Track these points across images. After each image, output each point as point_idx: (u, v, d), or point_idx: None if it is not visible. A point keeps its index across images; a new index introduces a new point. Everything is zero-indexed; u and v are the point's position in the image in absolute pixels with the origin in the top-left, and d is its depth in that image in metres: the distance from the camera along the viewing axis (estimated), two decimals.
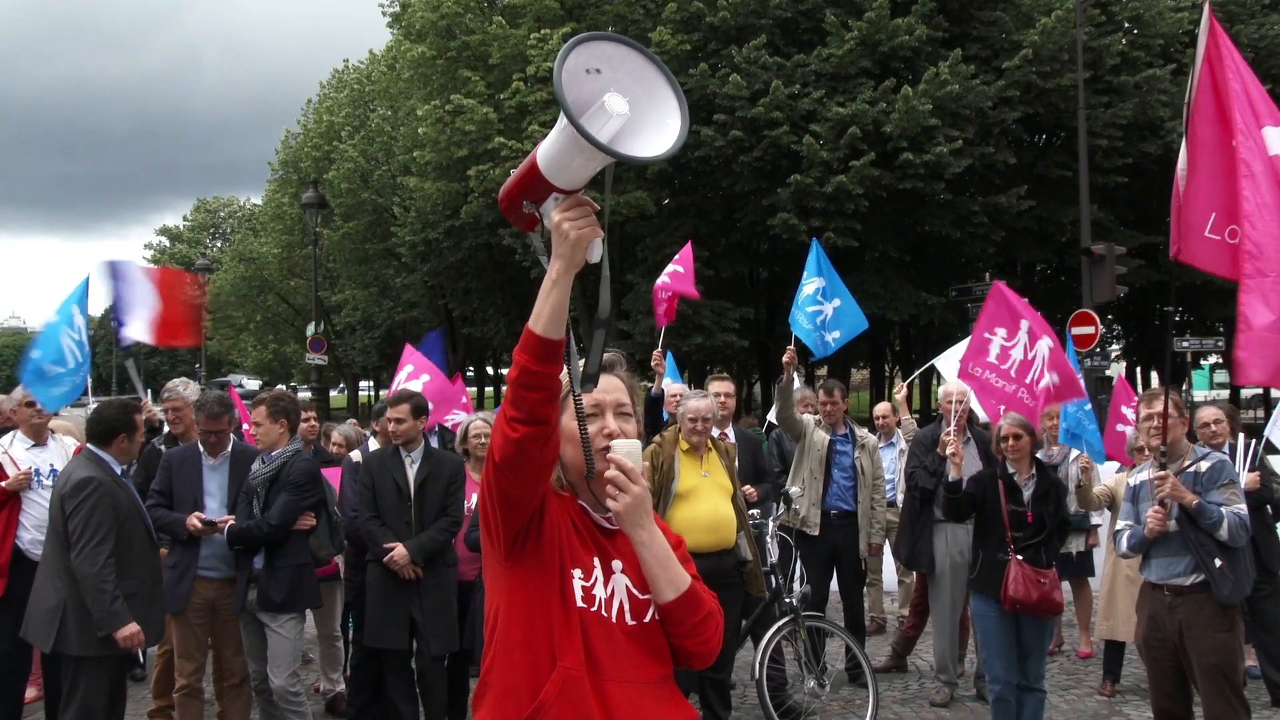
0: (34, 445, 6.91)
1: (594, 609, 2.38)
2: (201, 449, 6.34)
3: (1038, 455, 6.51)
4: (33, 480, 6.73)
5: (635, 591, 2.44)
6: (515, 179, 2.23)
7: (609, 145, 2.05)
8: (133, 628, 5.36)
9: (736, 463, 7.31)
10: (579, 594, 2.37)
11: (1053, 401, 6.95)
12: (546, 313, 2.16)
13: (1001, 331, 7.07)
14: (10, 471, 6.69)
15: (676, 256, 9.91)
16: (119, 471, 5.76)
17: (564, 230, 2.13)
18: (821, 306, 9.21)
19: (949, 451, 6.59)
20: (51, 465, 6.85)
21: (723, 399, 7.50)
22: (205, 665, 6.52)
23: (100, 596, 5.32)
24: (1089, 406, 8.07)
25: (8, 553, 6.57)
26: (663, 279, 9.68)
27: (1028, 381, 6.86)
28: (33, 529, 6.64)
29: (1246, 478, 7.27)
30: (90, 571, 5.34)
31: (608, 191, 2.32)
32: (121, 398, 6.96)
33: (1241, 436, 7.61)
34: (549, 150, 2.14)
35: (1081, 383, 7.14)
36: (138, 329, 8.55)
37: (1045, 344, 6.94)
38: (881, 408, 10.54)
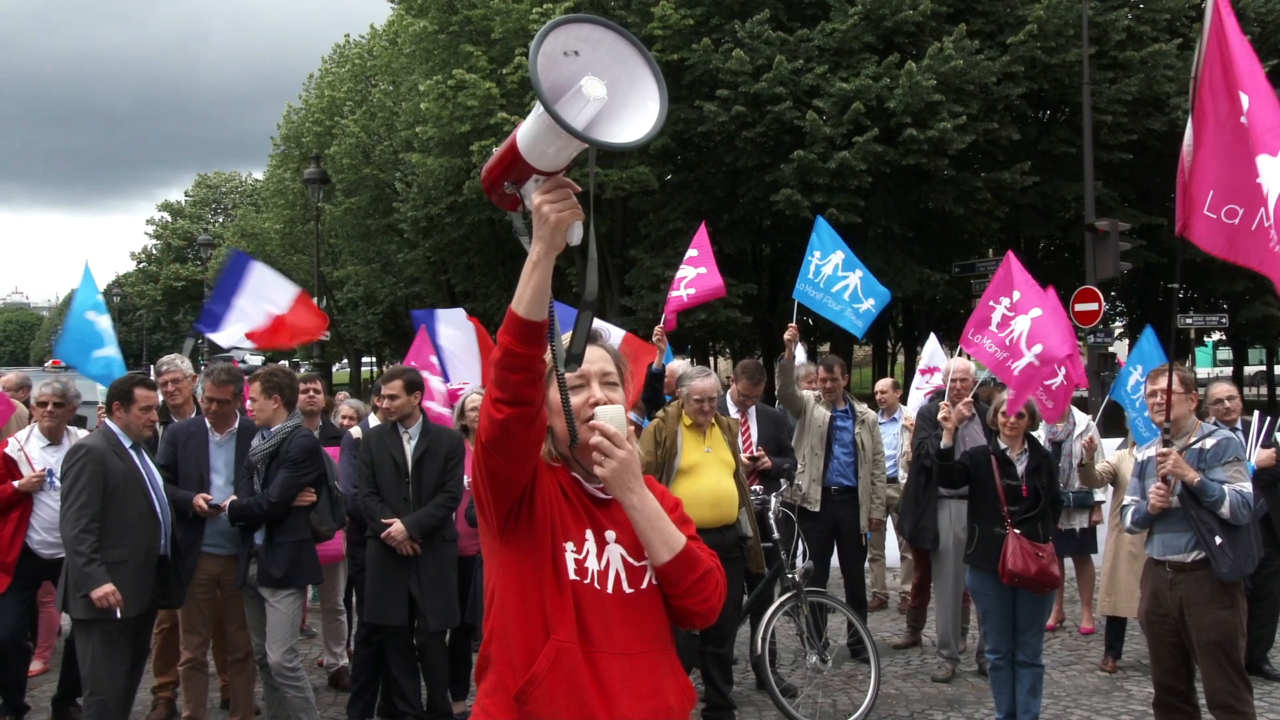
0: (49, 444, 6.84)
1: (587, 581, 2.40)
2: (208, 425, 6.33)
3: (1037, 432, 6.50)
4: (45, 482, 6.68)
5: (630, 559, 2.46)
6: (496, 160, 2.23)
7: (585, 131, 2.04)
8: (106, 588, 5.38)
9: (755, 438, 7.35)
10: (571, 567, 2.39)
11: (1038, 379, 6.87)
12: (528, 295, 2.17)
13: (1005, 300, 7.07)
14: (25, 471, 6.66)
15: (695, 252, 9.70)
16: (129, 444, 5.76)
17: (544, 213, 2.13)
18: (846, 280, 9.11)
19: (940, 416, 6.60)
20: None
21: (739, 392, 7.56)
22: (209, 640, 6.55)
23: (75, 558, 5.44)
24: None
25: (16, 551, 6.57)
26: (684, 290, 9.49)
27: (1018, 351, 6.87)
28: (42, 530, 6.64)
29: (1261, 454, 7.26)
30: (69, 534, 5.48)
31: (591, 174, 2.32)
32: (135, 372, 6.99)
33: (1257, 414, 7.60)
34: (528, 134, 2.14)
35: (1068, 348, 7.04)
36: (235, 332, 8.41)
37: (1027, 319, 6.91)
38: (883, 384, 10.53)
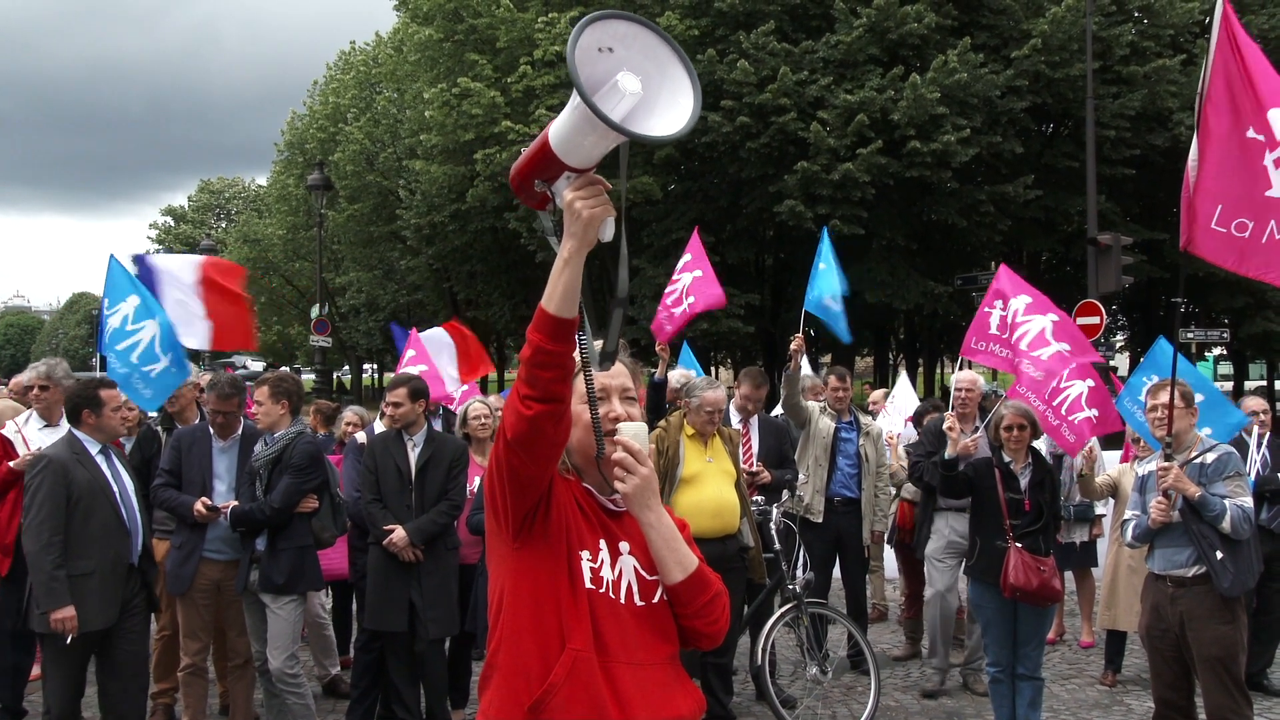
0: (47, 425, 6.90)
1: (602, 591, 2.39)
2: (211, 430, 6.35)
3: (1037, 445, 6.50)
4: None
5: (643, 573, 2.46)
6: (527, 158, 2.22)
7: (622, 124, 2.04)
8: (67, 612, 5.23)
9: (756, 449, 7.35)
10: (587, 576, 2.38)
11: (1063, 366, 7.02)
12: (559, 292, 2.16)
13: (998, 303, 7.26)
14: (21, 451, 6.70)
15: (688, 256, 9.81)
16: (95, 450, 5.65)
17: (576, 209, 2.12)
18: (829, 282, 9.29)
19: (945, 426, 6.62)
20: None
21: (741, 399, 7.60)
22: (209, 646, 6.54)
23: (38, 574, 5.30)
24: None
25: (15, 533, 6.58)
26: (685, 302, 9.57)
27: (1033, 354, 7.00)
28: None
29: None
30: (32, 548, 5.33)
31: (624, 170, 2.31)
32: (92, 374, 6.96)
33: (1256, 429, 7.60)
34: (561, 129, 2.13)
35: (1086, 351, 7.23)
36: (192, 336, 7.98)
37: (1049, 318, 7.09)
38: (875, 395, 10.58)
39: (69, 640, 5.28)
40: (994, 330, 7.34)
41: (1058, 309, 7.33)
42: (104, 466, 5.65)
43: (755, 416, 7.62)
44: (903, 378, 12.64)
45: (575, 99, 2.04)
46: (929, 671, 7.68)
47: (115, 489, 5.63)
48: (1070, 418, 7.09)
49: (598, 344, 2.35)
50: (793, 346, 8.07)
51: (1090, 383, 7.15)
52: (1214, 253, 5.26)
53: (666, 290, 9.76)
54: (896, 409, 10.87)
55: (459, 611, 6.52)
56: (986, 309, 7.42)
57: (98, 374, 6.57)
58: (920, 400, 11.14)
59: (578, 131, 2.10)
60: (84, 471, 5.51)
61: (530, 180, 2.23)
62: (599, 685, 2.30)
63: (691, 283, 9.57)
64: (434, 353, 9.81)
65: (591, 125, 2.04)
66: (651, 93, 2.13)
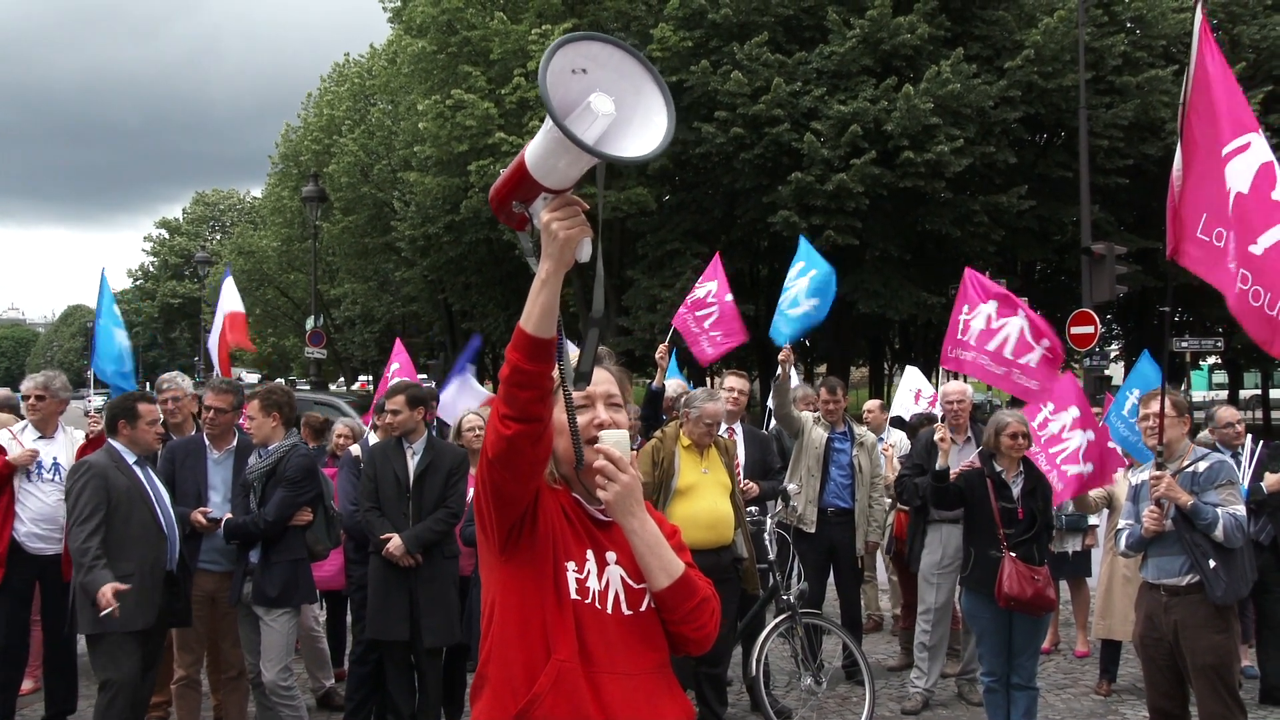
0: (41, 437, 6.93)
1: (588, 601, 2.39)
2: (206, 442, 6.34)
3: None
4: (32, 471, 6.75)
5: (630, 581, 2.46)
6: (504, 180, 2.24)
7: (594, 146, 2.06)
8: (108, 587, 5.33)
9: (742, 459, 7.33)
10: (573, 586, 2.39)
11: (1053, 369, 7.11)
12: (537, 312, 2.17)
13: (965, 308, 7.33)
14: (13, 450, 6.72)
15: (713, 284, 9.93)
16: (132, 460, 5.77)
17: (553, 230, 2.14)
18: (794, 286, 9.24)
19: (937, 438, 6.61)
20: (55, 458, 6.86)
21: (735, 395, 7.55)
22: (203, 658, 6.53)
23: (80, 569, 5.46)
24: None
25: (5, 543, 6.58)
26: (712, 335, 9.70)
27: (1020, 362, 7.05)
28: (29, 521, 6.68)
29: (1270, 479, 7.28)
30: (75, 545, 5.52)
31: (600, 190, 2.33)
32: (134, 390, 7.11)
33: (1249, 437, 7.61)
34: (536, 151, 2.15)
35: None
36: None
37: (1020, 319, 7.16)
38: (870, 404, 10.56)
39: (110, 612, 5.37)
40: (971, 339, 7.37)
41: (1022, 304, 7.42)
42: (140, 475, 5.80)
43: (741, 428, 7.59)
44: (910, 370, 12.52)
45: (548, 122, 2.06)
46: (911, 691, 7.52)
47: (153, 496, 5.78)
48: (1063, 468, 7.13)
49: (574, 352, 2.36)
50: (780, 356, 8.07)
51: (1090, 435, 7.18)
52: (1197, 262, 5.30)
53: (699, 307, 9.88)
54: (900, 403, 10.92)
55: (459, 621, 6.50)
56: (959, 316, 7.48)
57: (136, 391, 6.69)
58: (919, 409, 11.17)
59: (551, 154, 2.12)
60: (122, 478, 5.69)
61: (508, 201, 2.24)
62: (583, 695, 2.30)
63: (722, 312, 9.71)
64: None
65: (564, 148, 2.06)
66: (626, 113, 2.14)
